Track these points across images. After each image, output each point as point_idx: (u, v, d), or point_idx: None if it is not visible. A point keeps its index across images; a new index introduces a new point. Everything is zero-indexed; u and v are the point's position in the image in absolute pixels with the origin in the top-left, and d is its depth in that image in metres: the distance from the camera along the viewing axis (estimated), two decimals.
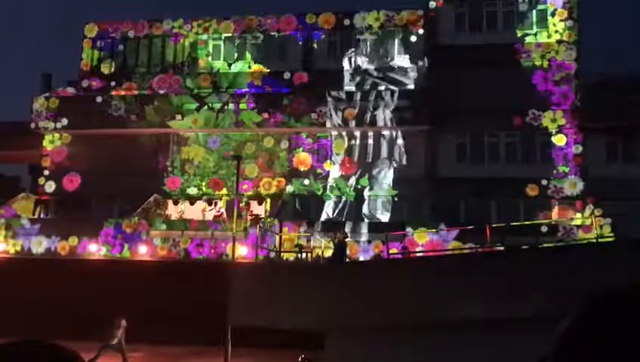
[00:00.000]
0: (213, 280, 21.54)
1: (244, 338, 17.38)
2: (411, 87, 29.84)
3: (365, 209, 28.96)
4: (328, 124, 29.46)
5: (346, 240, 18.96)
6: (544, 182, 27.80)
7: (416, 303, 12.29)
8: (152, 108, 30.75)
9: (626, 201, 25.70)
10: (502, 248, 19.46)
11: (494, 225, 21.40)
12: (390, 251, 21.48)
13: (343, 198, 29.24)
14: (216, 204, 29.73)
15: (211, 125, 30.45)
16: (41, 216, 30.82)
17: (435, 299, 12.27)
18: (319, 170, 29.69)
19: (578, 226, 26.16)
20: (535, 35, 29.41)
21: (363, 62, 30.91)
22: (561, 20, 29.30)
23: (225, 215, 29.14)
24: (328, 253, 20.28)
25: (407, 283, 12.72)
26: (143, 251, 27.26)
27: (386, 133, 29.43)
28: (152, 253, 27.23)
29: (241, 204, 27.40)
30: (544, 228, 25.66)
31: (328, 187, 29.41)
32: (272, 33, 31.99)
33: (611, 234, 23.42)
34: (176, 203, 30.10)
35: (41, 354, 1.20)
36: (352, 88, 30.07)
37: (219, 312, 16.84)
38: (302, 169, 29.83)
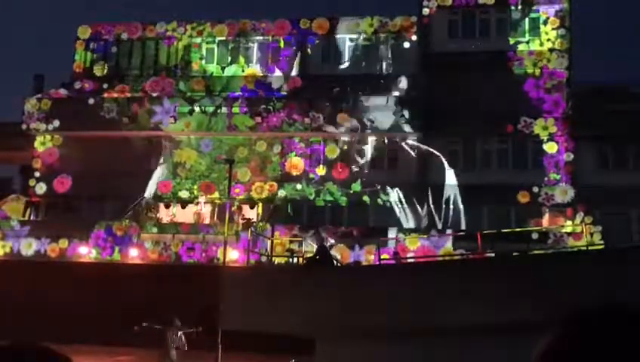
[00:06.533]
0: (205, 284, 21.48)
1: (235, 342, 17.33)
2: (404, 93, 29.91)
3: (357, 214, 28.96)
4: (321, 129, 29.47)
5: (329, 244, 18.91)
6: (535, 189, 27.91)
7: (408, 308, 12.30)
8: (144, 111, 30.67)
9: (616, 209, 25.86)
10: (492, 254, 19.54)
11: (485, 232, 21.48)
12: (381, 257, 21.49)
13: (335, 203, 29.25)
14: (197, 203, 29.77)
15: (204, 128, 30.40)
16: (32, 217, 30.64)
17: (425, 304, 12.29)
18: (312, 175, 29.68)
19: (568, 234, 26.28)
20: (527, 42, 29.57)
21: (356, 67, 30.96)
22: (553, 29, 29.49)
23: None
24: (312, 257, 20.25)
25: (398, 288, 12.73)
26: (133, 254, 27.15)
27: (378, 138, 29.46)
28: (143, 256, 27.12)
29: (232, 208, 27.34)
30: (535, 235, 25.76)
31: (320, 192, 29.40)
32: (266, 37, 32.00)
33: (601, 242, 23.54)
34: (167, 206, 30.00)
35: (31, 356, 1.19)
36: (345, 93, 30.09)
37: (210, 316, 16.79)
38: (294, 173, 29.82)
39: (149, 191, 30.27)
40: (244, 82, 31.43)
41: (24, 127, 31.42)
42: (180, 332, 15.96)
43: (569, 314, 0.95)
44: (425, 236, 26.15)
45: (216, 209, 29.51)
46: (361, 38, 31.22)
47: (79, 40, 33.32)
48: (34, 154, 31.70)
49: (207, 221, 29.16)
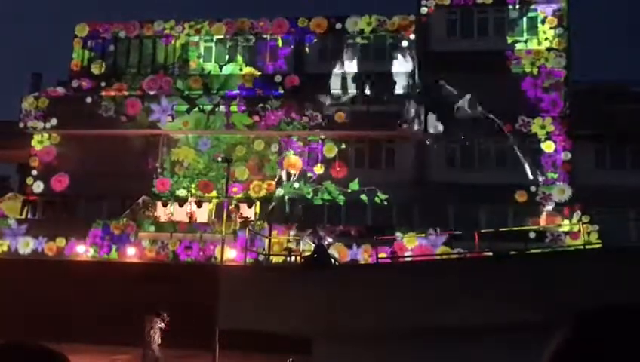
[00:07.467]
0: (202, 282, 21.47)
1: (233, 341, 17.32)
2: (402, 92, 29.92)
3: (355, 213, 28.95)
4: (319, 128, 29.45)
5: (327, 243, 18.87)
6: (533, 188, 27.94)
7: (406, 308, 12.30)
8: (142, 110, 30.61)
9: (613, 208, 25.88)
10: (490, 253, 19.55)
11: (483, 231, 21.49)
12: (379, 255, 21.49)
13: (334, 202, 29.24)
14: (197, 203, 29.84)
15: (202, 127, 30.35)
16: (29, 216, 30.58)
17: (425, 303, 12.29)
18: (309, 174, 29.67)
19: (566, 233, 26.31)
20: (525, 42, 29.59)
21: (354, 66, 30.95)
22: (551, 28, 29.52)
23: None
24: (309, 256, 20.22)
25: (396, 287, 12.72)
26: (131, 253, 27.12)
27: (376, 137, 29.44)
28: (141, 255, 27.09)
29: (230, 207, 27.32)
30: (532, 234, 25.78)
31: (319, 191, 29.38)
32: (264, 36, 31.98)
33: (599, 241, 23.56)
34: (165, 205, 29.96)
35: (29, 356, 1.19)
36: (343, 92, 30.08)
37: (207, 315, 16.80)
38: (292, 172, 29.79)
39: (147, 189, 30.20)
40: (242, 81, 31.40)
41: (21, 125, 31.34)
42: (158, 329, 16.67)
43: (580, 313, 0.93)
44: (423, 235, 26.15)
45: (214, 207, 29.48)
46: (360, 36, 31.20)
47: (77, 38, 33.24)
48: (31, 152, 31.63)
49: (199, 220, 29.11)
